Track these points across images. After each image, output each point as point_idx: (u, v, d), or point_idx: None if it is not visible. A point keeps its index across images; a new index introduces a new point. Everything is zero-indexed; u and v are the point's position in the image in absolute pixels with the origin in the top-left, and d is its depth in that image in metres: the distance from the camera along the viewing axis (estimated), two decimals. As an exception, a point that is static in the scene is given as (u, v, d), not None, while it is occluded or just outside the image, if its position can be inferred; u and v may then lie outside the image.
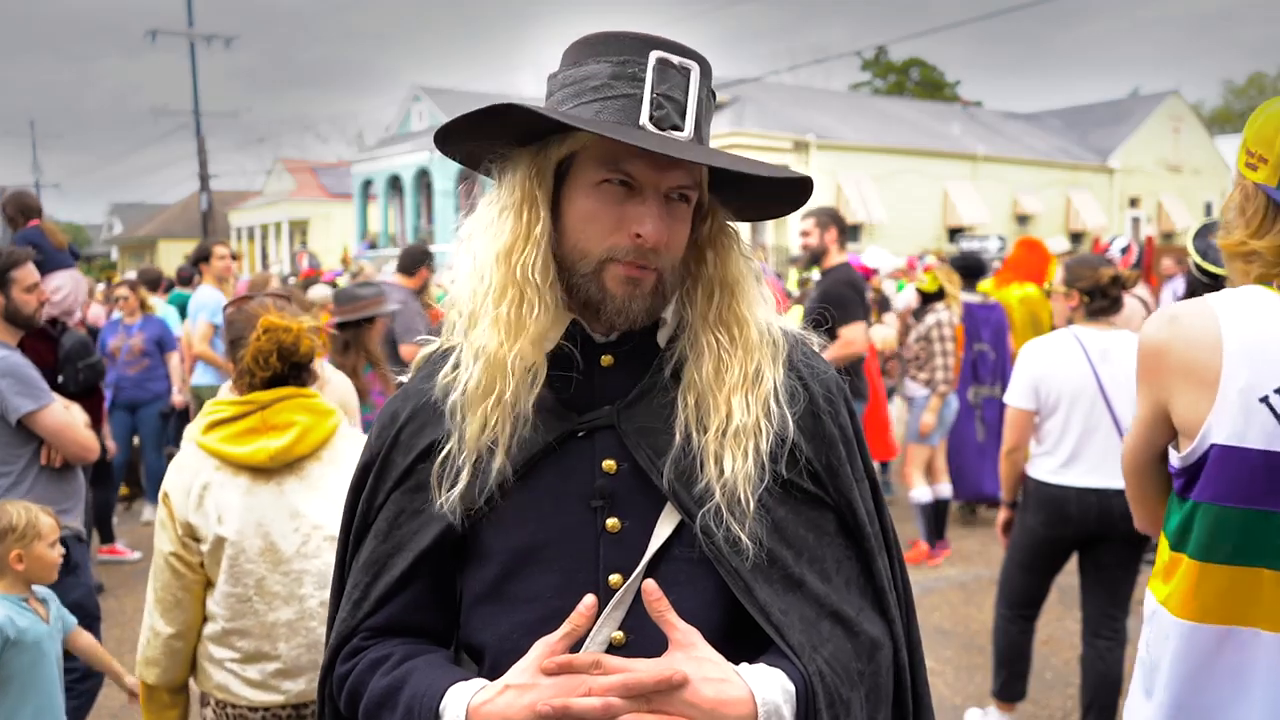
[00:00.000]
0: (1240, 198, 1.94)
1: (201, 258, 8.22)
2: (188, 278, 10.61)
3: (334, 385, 4.11)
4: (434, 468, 1.41)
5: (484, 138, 1.39)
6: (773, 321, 1.47)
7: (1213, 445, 1.85)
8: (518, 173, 1.39)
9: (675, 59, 1.34)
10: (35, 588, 3.14)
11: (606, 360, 1.42)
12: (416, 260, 7.11)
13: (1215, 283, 4.15)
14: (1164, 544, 2.00)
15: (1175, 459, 1.94)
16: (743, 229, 1.55)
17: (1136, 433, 2.04)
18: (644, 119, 1.32)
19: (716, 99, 1.43)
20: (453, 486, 1.38)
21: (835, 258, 6.21)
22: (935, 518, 7.12)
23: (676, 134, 1.33)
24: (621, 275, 1.35)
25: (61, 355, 4.94)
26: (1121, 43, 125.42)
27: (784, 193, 1.44)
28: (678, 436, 1.37)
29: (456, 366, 1.42)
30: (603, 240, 1.35)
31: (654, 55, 1.33)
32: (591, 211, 1.35)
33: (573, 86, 1.37)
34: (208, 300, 7.98)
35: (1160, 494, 2.07)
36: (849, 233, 6.77)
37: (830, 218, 6.32)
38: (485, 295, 1.38)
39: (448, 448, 1.40)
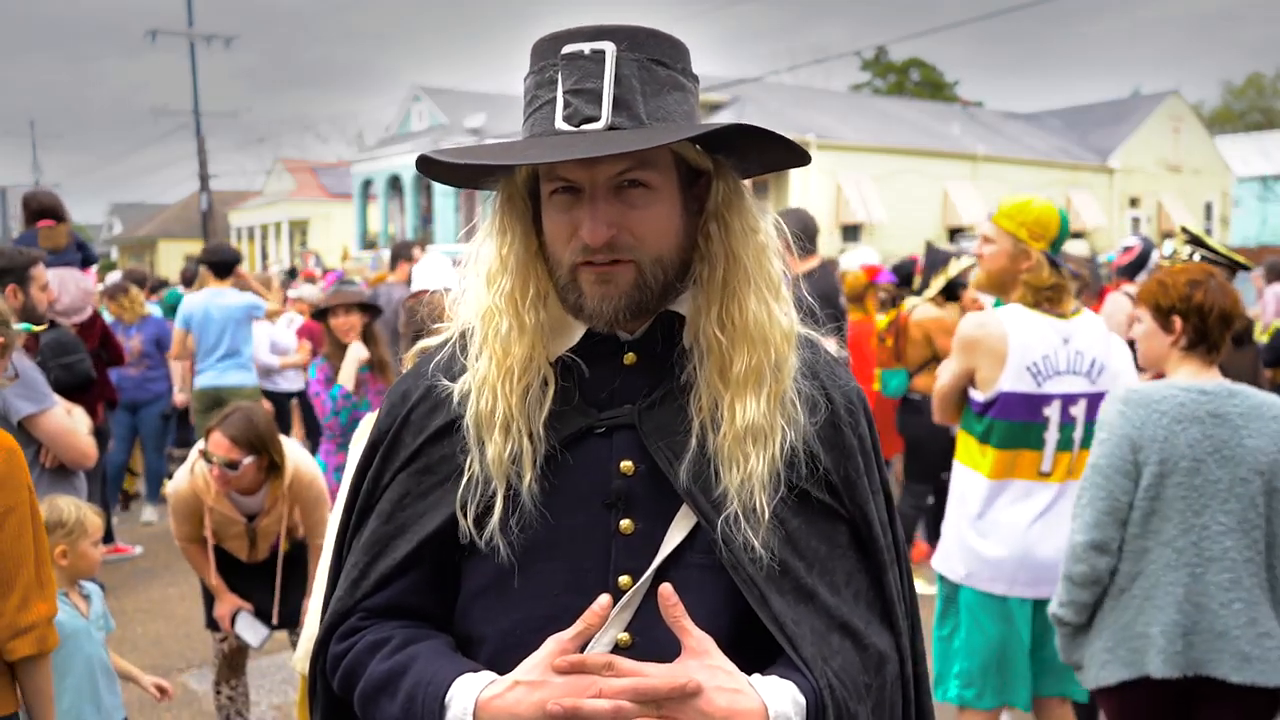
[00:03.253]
0: (1018, 257, 3.50)
1: (234, 260, 7.94)
2: (190, 278, 10.62)
3: (300, 474, 3.98)
4: (458, 493, 1.41)
5: (460, 173, 1.43)
6: (783, 307, 1.43)
7: (1001, 391, 3.45)
8: (496, 199, 1.44)
9: (585, 47, 1.31)
10: (81, 583, 3.19)
11: (629, 359, 1.42)
12: (397, 255, 7.23)
13: (1224, 262, 4.25)
14: (971, 439, 3.58)
15: (978, 396, 3.53)
16: None
17: (952, 380, 3.63)
18: (558, 122, 1.31)
19: (670, 64, 1.37)
20: (488, 516, 1.38)
21: (798, 267, 6.02)
22: (936, 517, 7.11)
23: (591, 126, 1.30)
24: (592, 276, 1.36)
25: (38, 354, 4.91)
26: (1121, 43, 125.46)
27: (773, 143, 1.38)
28: (693, 440, 1.37)
29: (465, 365, 1.44)
30: (565, 248, 1.37)
31: (562, 52, 1.32)
32: (552, 223, 1.38)
33: (523, 105, 1.40)
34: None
35: (958, 411, 3.67)
36: (849, 232, 6.68)
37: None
38: (478, 319, 1.42)
39: (471, 469, 1.40)
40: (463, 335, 1.47)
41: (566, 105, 1.31)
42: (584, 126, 1.30)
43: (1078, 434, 3.48)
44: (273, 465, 3.87)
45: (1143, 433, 2.82)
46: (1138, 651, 2.84)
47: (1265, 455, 2.78)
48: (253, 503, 3.98)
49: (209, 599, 4.21)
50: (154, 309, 9.28)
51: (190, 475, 3.92)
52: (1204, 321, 2.87)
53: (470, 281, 1.46)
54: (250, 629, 4.11)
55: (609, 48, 1.31)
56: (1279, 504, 2.81)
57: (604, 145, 1.27)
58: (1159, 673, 2.80)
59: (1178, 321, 2.90)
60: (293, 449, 4.03)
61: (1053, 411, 3.47)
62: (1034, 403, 3.46)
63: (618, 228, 1.33)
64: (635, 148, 1.27)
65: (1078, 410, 3.47)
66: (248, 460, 3.76)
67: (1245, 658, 2.76)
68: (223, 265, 7.74)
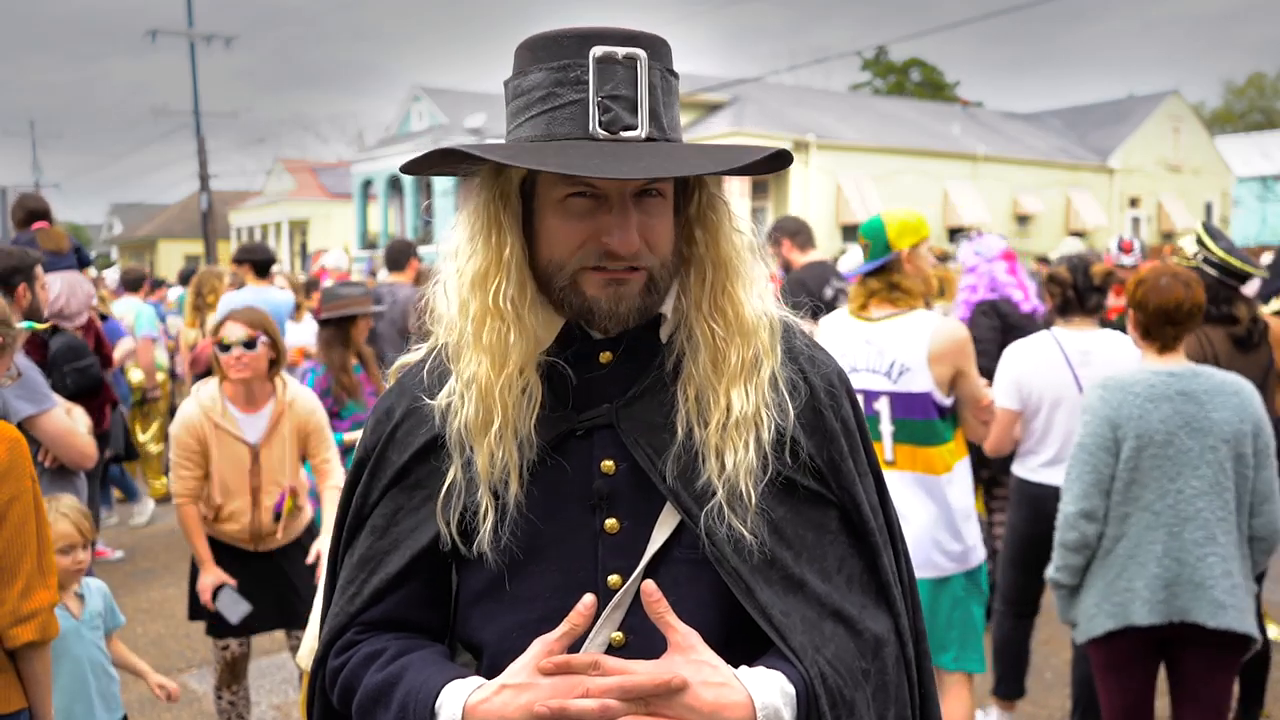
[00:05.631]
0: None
1: (271, 260, 7.85)
2: (187, 278, 10.59)
3: (300, 400, 4.19)
4: (438, 502, 1.40)
5: (449, 164, 1.38)
6: (768, 300, 1.44)
7: None
8: (483, 195, 1.37)
9: (619, 51, 1.29)
10: (83, 580, 3.19)
11: (605, 357, 1.41)
12: (404, 253, 7.20)
13: (1237, 278, 4.15)
14: None
15: None
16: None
17: None
18: (593, 126, 1.28)
19: (678, 76, 1.38)
20: (475, 524, 1.37)
21: (801, 260, 6.26)
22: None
23: (630, 134, 1.29)
24: (601, 280, 1.33)
25: (49, 359, 4.91)
26: (1122, 43, 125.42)
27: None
28: (679, 433, 1.36)
29: (448, 380, 1.41)
30: (574, 253, 1.33)
31: (593, 53, 1.28)
32: (561, 227, 1.34)
33: (521, 99, 1.35)
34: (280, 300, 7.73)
35: None
36: (849, 233, 6.82)
37: (781, 232, 6.41)
38: (467, 322, 1.37)
39: (451, 477, 1.39)
40: (444, 347, 1.45)
41: (605, 110, 1.28)
42: (622, 134, 1.28)
43: (885, 427, 3.68)
44: (273, 364, 4.11)
45: (1120, 412, 3.22)
46: (1122, 605, 3.23)
47: (1229, 426, 3.17)
48: (258, 422, 4.07)
49: (195, 592, 4.17)
50: (145, 308, 9.19)
51: (196, 400, 4.11)
52: (1145, 315, 3.31)
53: (455, 282, 1.41)
54: (231, 605, 4.07)
55: (641, 55, 1.29)
56: (1244, 469, 3.20)
57: (680, 165, 1.26)
58: (1144, 621, 3.18)
59: (1132, 314, 3.36)
60: (293, 382, 4.27)
61: None
62: None
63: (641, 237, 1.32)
64: (711, 171, 1.28)
65: (881, 405, 3.70)
66: (262, 338, 4.03)
67: (1220, 605, 3.14)
68: (263, 264, 7.72)
